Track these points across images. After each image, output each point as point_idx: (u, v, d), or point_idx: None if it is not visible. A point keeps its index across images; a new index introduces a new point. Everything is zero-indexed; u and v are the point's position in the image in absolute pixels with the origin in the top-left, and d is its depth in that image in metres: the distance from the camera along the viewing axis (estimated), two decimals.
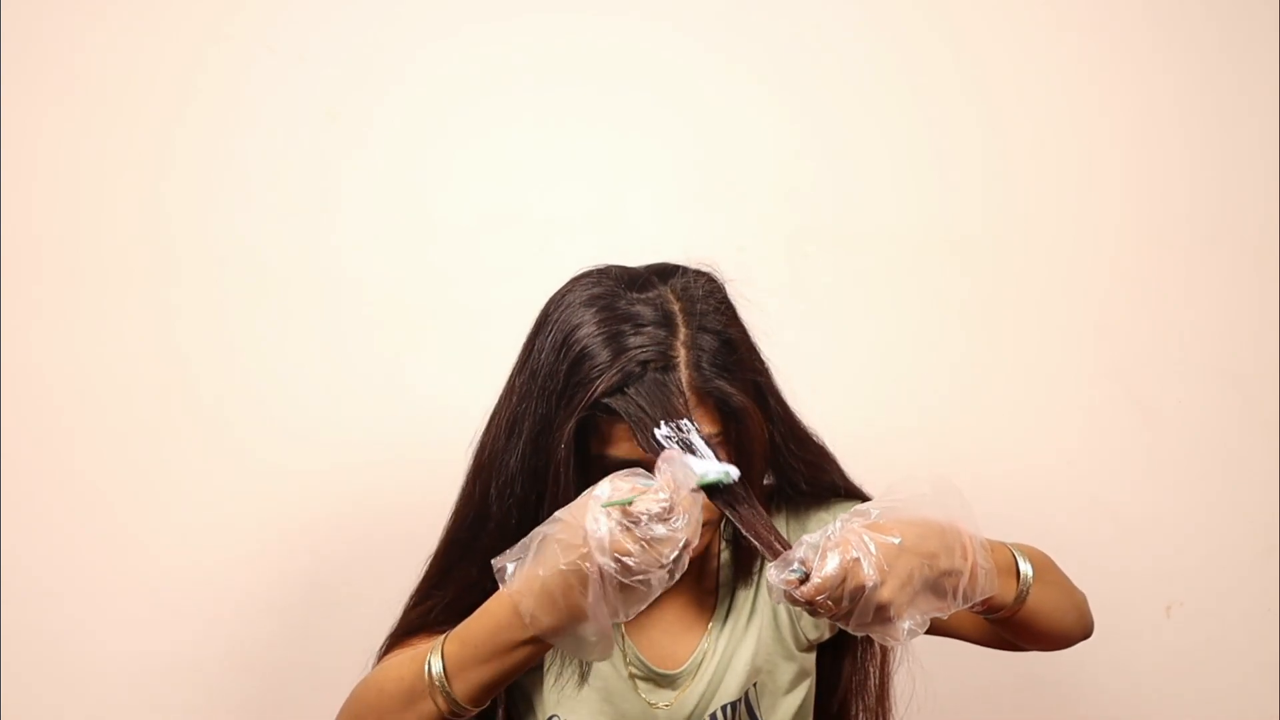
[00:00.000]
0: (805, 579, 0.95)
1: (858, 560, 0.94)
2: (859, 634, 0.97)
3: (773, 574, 0.96)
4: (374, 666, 1.16)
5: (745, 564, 1.24)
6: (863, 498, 1.26)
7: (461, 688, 1.02)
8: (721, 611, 1.24)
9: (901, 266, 1.77)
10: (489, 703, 1.06)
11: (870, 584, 0.94)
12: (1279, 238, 1.81)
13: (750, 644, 1.23)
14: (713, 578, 1.25)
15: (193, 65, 1.65)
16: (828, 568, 0.94)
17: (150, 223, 1.65)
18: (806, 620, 1.24)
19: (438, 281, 1.69)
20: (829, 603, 0.95)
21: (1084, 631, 1.22)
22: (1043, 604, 1.12)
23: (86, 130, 1.64)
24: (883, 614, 0.96)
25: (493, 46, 1.69)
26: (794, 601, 0.95)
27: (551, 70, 1.70)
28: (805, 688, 1.26)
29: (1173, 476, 1.81)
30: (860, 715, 1.34)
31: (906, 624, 0.97)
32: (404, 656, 1.09)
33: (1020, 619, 1.11)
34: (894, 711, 1.36)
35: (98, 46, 1.64)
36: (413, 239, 1.69)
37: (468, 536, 1.15)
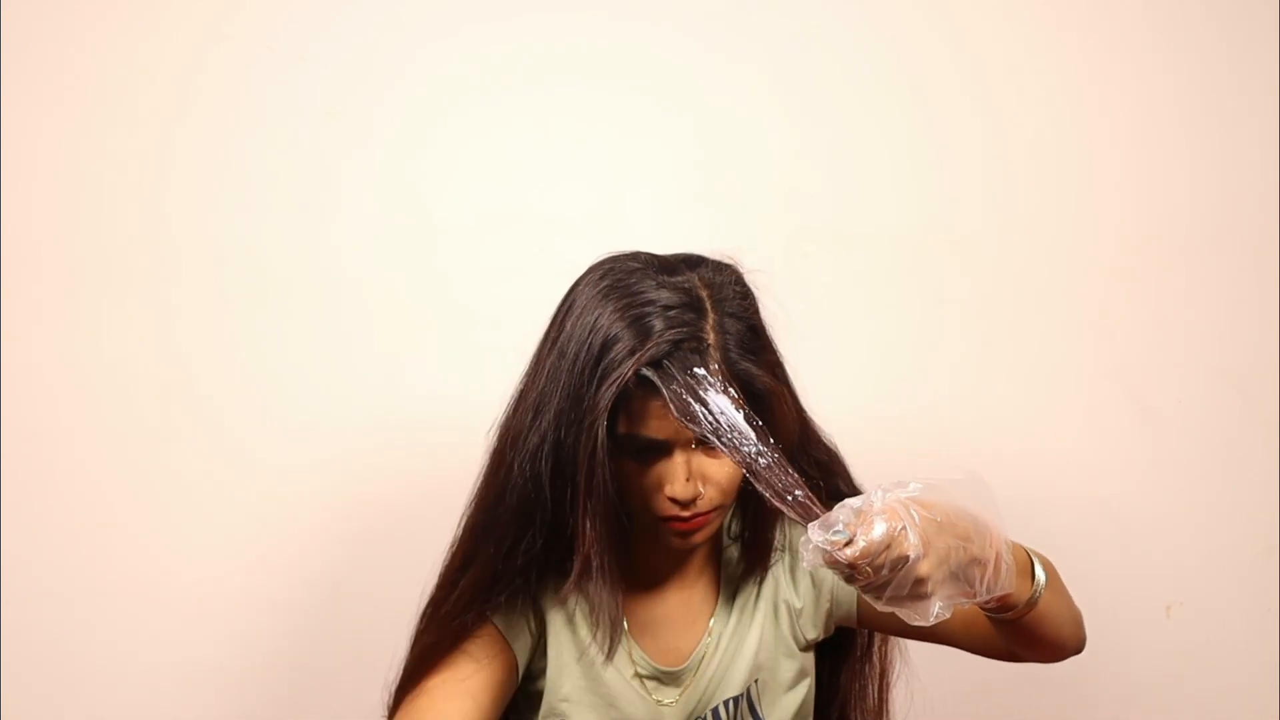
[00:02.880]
0: (849, 543, 0.94)
1: (904, 530, 0.94)
2: (888, 609, 0.96)
3: (816, 534, 0.95)
4: (399, 689, 1.16)
5: (749, 560, 1.24)
6: None
7: None
8: (724, 607, 1.25)
9: (901, 266, 1.77)
10: None
11: (913, 555, 0.93)
12: (1279, 238, 1.81)
13: (753, 640, 1.23)
14: (716, 573, 1.25)
15: (193, 65, 1.65)
16: (875, 533, 0.93)
17: (150, 223, 1.65)
18: (806, 619, 1.25)
19: (438, 281, 1.69)
20: (869, 569, 0.94)
21: (1078, 644, 1.23)
22: (1049, 610, 1.13)
23: (86, 130, 1.64)
24: (919, 588, 0.95)
25: (493, 46, 1.69)
26: (833, 564, 0.94)
27: (551, 70, 1.70)
28: (805, 687, 1.26)
29: (1173, 476, 1.81)
30: None
31: (937, 605, 0.96)
32: None
33: (1027, 622, 1.12)
34: (893, 718, 1.36)
35: (98, 46, 1.64)
36: (413, 239, 1.69)
37: (489, 519, 1.15)
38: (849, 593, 1.25)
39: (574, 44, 1.71)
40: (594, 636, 1.18)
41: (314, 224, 1.67)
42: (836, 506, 0.96)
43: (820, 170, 1.76)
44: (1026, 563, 1.11)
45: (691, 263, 1.15)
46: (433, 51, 1.69)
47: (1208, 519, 1.82)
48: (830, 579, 1.26)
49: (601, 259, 1.16)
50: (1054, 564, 1.16)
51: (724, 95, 1.74)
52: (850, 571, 0.94)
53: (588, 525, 1.10)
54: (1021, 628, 1.13)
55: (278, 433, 1.67)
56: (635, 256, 1.16)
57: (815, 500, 1.00)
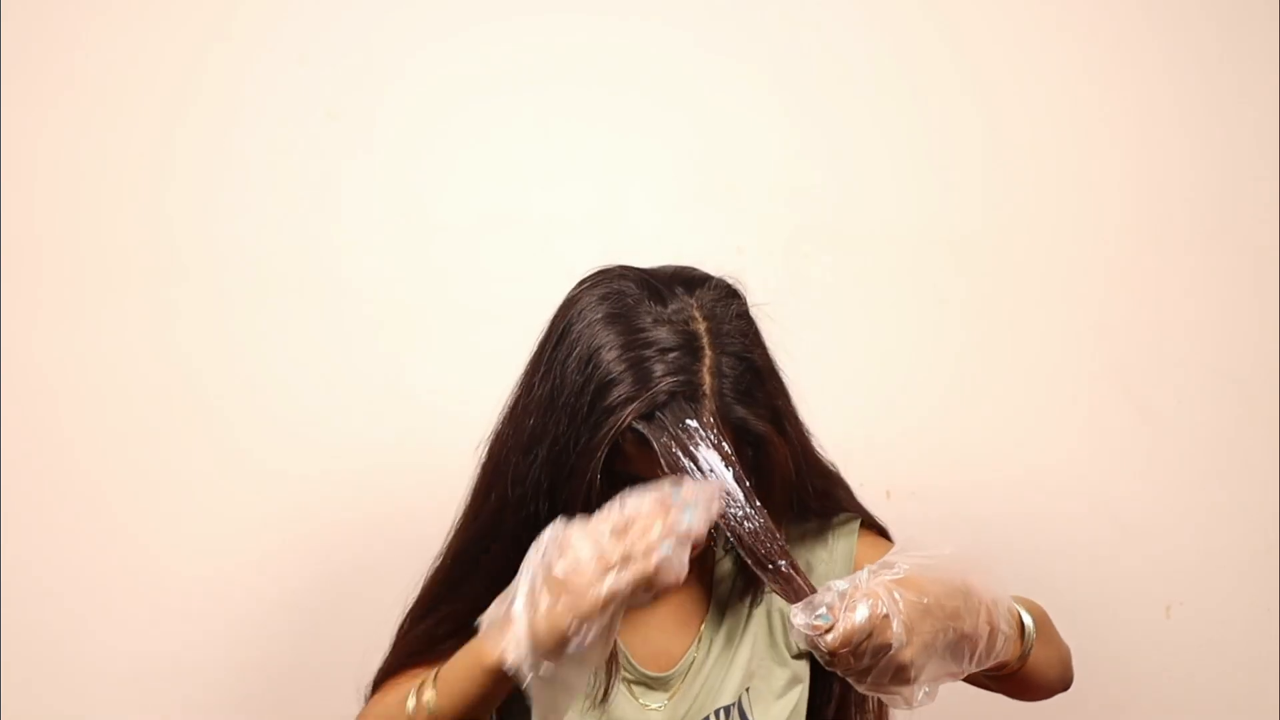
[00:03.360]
0: (832, 628, 0.92)
1: (887, 617, 0.91)
2: (869, 693, 0.94)
3: (800, 618, 0.93)
4: (372, 689, 1.17)
5: (749, 574, 1.23)
6: (867, 517, 1.27)
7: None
8: (716, 614, 1.24)
9: (901, 266, 1.77)
10: None
11: (896, 644, 0.91)
12: (1279, 238, 1.81)
13: (746, 649, 1.23)
14: (708, 578, 1.25)
15: (193, 65, 1.65)
16: (856, 619, 0.91)
17: (151, 223, 1.65)
18: (787, 639, 1.24)
19: (438, 281, 1.69)
20: (850, 657, 0.92)
21: (1065, 685, 1.19)
22: (1039, 662, 1.10)
23: (86, 130, 1.64)
24: (901, 675, 0.92)
25: (492, 46, 1.69)
26: (815, 648, 0.93)
27: (551, 70, 1.70)
28: (798, 694, 1.25)
29: (1173, 476, 1.81)
30: None
31: (921, 690, 0.94)
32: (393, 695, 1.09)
33: (1017, 677, 1.10)
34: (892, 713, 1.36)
35: (98, 46, 1.64)
36: (413, 239, 1.69)
37: (477, 550, 1.14)
38: None
39: (574, 44, 1.71)
40: (606, 671, 1.18)
41: (314, 224, 1.67)
42: (822, 589, 0.95)
43: (820, 170, 1.76)
44: (1017, 622, 1.07)
45: (690, 284, 1.12)
46: (433, 51, 1.69)
47: (1208, 519, 1.82)
48: None
49: (596, 277, 1.13)
50: (1043, 608, 1.14)
51: (724, 95, 1.73)
52: (830, 658, 0.93)
53: None
54: (1010, 682, 1.11)
55: (278, 433, 1.67)
56: (631, 276, 1.12)
57: (798, 572, 0.99)
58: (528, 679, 0.93)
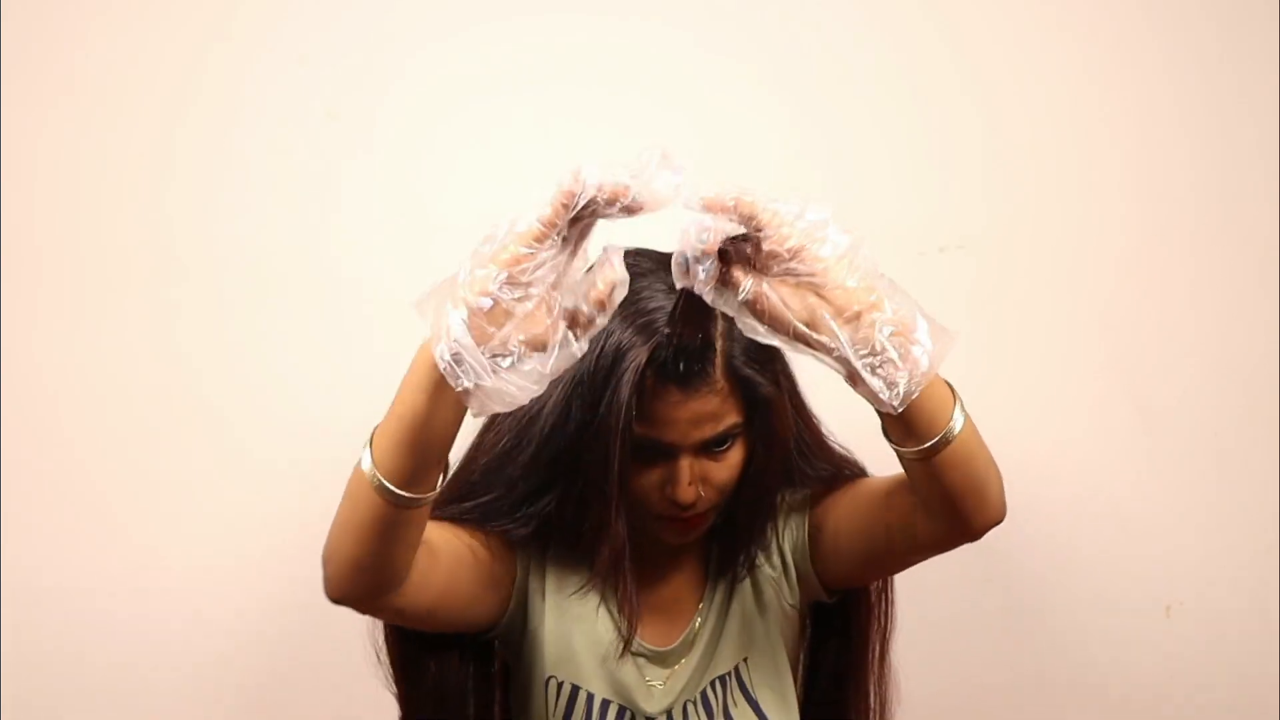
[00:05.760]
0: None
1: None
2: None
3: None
4: None
5: (729, 552, 1.25)
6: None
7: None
8: (711, 591, 1.27)
9: (901, 266, 1.76)
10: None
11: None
12: (1279, 238, 1.81)
13: (736, 619, 1.25)
14: (706, 555, 1.27)
15: (193, 65, 1.65)
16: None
17: (151, 223, 1.65)
18: (784, 591, 1.27)
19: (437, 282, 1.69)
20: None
21: (1001, 507, 1.17)
22: (964, 451, 1.13)
23: (86, 130, 1.64)
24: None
25: (492, 47, 1.69)
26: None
27: (551, 70, 1.70)
28: (794, 670, 1.28)
29: (1173, 476, 1.81)
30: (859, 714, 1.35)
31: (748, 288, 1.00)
32: None
33: (948, 455, 1.11)
34: (892, 710, 1.36)
35: (98, 46, 1.64)
36: (413, 239, 1.69)
37: (471, 498, 1.19)
38: (802, 553, 1.27)
39: (574, 44, 1.71)
40: (617, 628, 1.21)
41: (314, 224, 1.67)
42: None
43: (820, 170, 1.76)
44: (948, 396, 1.11)
45: None
46: (433, 51, 1.69)
47: (1208, 519, 1.82)
48: (790, 544, 1.27)
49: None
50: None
51: (724, 95, 1.74)
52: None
53: (620, 527, 1.13)
54: (938, 467, 1.10)
55: (278, 433, 1.67)
56: (646, 255, 1.16)
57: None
58: (460, 374, 0.98)
